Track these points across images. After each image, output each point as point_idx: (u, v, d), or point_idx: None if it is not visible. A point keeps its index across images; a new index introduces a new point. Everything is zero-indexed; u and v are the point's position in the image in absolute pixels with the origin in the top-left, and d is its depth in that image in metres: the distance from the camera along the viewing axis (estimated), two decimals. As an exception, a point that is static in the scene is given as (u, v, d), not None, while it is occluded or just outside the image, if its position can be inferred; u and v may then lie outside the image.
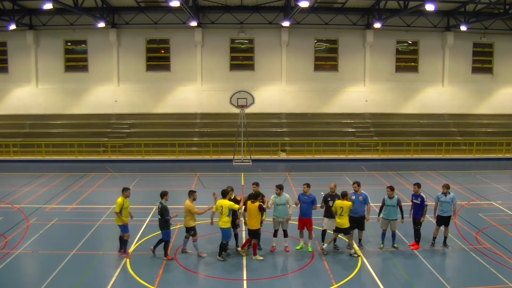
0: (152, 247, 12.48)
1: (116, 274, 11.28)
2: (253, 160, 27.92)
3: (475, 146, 30.40)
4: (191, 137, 31.29)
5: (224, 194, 12.32)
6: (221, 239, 12.21)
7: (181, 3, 22.99)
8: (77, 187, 21.17)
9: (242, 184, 21.86)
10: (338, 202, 12.33)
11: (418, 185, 13.24)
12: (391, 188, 12.89)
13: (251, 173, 24.27)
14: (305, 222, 12.79)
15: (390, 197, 12.79)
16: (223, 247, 12.25)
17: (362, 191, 13.01)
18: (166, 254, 12.20)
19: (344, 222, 12.26)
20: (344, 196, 12.37)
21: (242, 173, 24.44)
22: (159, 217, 12.18)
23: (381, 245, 13.00)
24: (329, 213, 12.70)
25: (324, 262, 12.05)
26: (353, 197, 12.88)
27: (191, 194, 12.46)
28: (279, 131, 32.14)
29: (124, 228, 12.35)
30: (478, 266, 11.85)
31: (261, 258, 12.24)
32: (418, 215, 12.90)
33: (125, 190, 12.53)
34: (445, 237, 13.14)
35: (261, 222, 12.49)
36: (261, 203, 12.23)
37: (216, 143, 29.56)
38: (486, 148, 30.51)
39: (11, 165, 27.99)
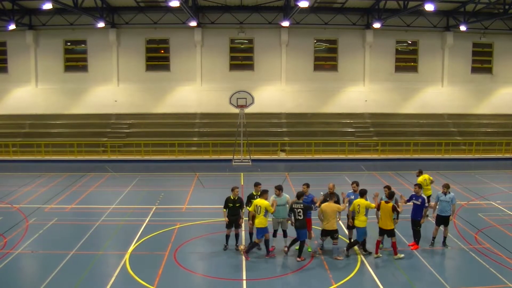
0: (286, 247, 12.50)
1: (116, 274, 11.27)
2: (253, 160, 27.93)
3: (475, 146, 30.41)
4: (190, 137, 31.29)
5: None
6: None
7: (180, 3, 22.98)
8: (77, 187, 21.17)
9: (242, 184, 21.86)
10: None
11: (419, 186, 13.24)
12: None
13: (250, 173, 24.28)
14: None
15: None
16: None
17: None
18: (300, 255, 12.20)
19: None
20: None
21: (242, 173, 24.45)
22: (298, 218, 12.07)
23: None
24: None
25: (324, 262, 12.05)
26: (352, 197, 12.88)
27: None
28: (278, 131, 32.14)
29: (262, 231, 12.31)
30: (477, 266, 11.86)
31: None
32: (418, 216, 12.88)
33: (265, 193, 12.45)
34: (445, 237, 13.13)
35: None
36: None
37: (215, 143, 29.56)
38: (486, 148, 30.53)
39: (11, 165, 27.98)
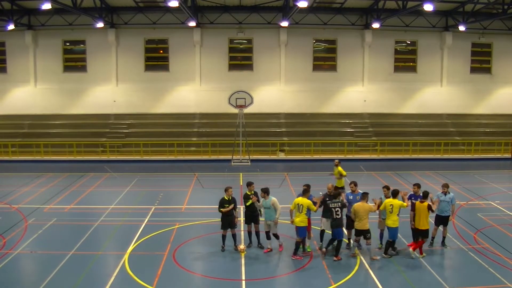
0: (324, 248, 12.46)
1: (115, 274, 11.26)
2: (252, 160, 27.92)
3: (474, 146, 30.44)
4: (189, 137, 31.28)
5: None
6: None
7: (179, 3, 22.99)
8: (76, 187, 21.16)
9: (241, 184, 21.85)
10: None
11: (418, 185, 13.23)
12: (387, 188, 12.85)
13: (249, 173, 24.26)
14: None
15: (387, 197, 12.76)
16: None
17: (359, 191, 13.00)
18: (337, 254, 12.22)
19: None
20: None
21: (241, 173, 24.44)
22: (336, 217, 12.12)
23: (379, 245, 12.99)
24: (327, 213, 12.68)
25: (323, 262, 12.05)
26: (351, 197, 12.89)
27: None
28: (277, 131, 32.14)
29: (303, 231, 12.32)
30: (476, 266, 11.86)
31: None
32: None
33: (307, 192, 12.46)
34: (444, 237, 13.14)
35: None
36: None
37: (214, 143, 29.56)
38: (485, 148, 30.56)
39: (10, 165, 27.95)
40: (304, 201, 12.09)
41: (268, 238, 12.82)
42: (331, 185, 13.11)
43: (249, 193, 12.95)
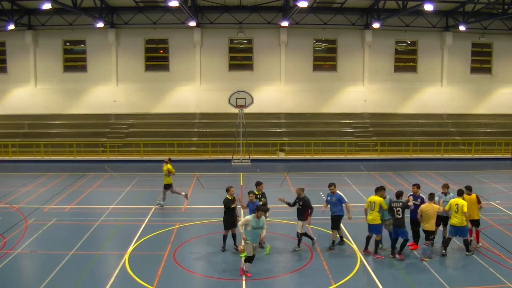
0: (395, 253, 12.37)
1: (115, 274, 11.25)
2: (252, 160, 27.92)
3: (474, 146, 30.44)
4: (190, 137, 31.28)
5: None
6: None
7: (180, 3, 22.99)
8: (76, 187, 21.15)
9: (241, 184, 21.86)
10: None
11: (417, 186, 13.22)
12: (382, 189, 12.68)
13: (250, 173, 24.27)
14: None
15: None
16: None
17: (337, 192, 12.94)
18: (400, 253, 12.24)
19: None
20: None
21: (241, 173, 24.45)
22: (397, 217, 12.13)
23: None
24: (301, 215, 12.68)
25: (323, 262, 12.05)
26: (329, 198, 12.97)
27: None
28: (278, 131, 32.14)
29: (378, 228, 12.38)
30: (477, 266, 11.86)
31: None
32: (417, 216, 12.85)
33: (381, 190, 12.48)
34: (444, 237, 13.11)
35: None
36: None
37: (215, 143, 29.56)
38: (485, 148, 30.55)
39: (10, 165, 27.96)
40: (376, 198, 12.24)
41: (249, 261, 11.23)
42: (298, 188, 12.98)
43: (257, 193, 12.93)
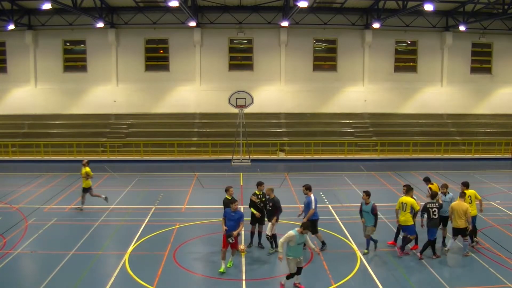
0: (419, 254, 12.36)
1: (115, 274, 11.26)
2: (252, 160, 27.91)
3: (474, 146, 30.43)
4: (190, 137, 31.28)
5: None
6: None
7: (180, 3, 22.98)
8: (76, 187, 21.07)
9: (241, 184, 21.86)
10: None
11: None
12: (367, 194, 12.59)
13: (250, 173, 24.28)
14: None
15: (366, 203, 12.52)
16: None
17: (311, 195, 12.56)
18: (421, 252, 12.29)
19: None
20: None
21: (241, 173, 24.45)
22: (433, 217, 12.18)
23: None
24: (271, 217, 12.57)
25: (323, 262, 12.05)
26: (305, 200, 12.79)
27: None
28: (278, 131, 32.14)
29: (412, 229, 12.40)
30: (476, 266, 11.86)
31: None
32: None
33: (410, 190, 12.53)
34: (444, 237, 13.14)
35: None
36: None
37: (215, 143, 29.56)
38: (485, 148, 30.54)
39: (10, 165, 27.94)
40: (408, 199, 12.26)
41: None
42: (267, 188, 12.85)
43: (258, 193, 12.91)
